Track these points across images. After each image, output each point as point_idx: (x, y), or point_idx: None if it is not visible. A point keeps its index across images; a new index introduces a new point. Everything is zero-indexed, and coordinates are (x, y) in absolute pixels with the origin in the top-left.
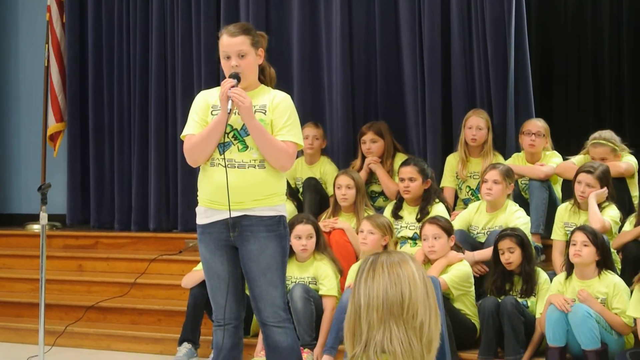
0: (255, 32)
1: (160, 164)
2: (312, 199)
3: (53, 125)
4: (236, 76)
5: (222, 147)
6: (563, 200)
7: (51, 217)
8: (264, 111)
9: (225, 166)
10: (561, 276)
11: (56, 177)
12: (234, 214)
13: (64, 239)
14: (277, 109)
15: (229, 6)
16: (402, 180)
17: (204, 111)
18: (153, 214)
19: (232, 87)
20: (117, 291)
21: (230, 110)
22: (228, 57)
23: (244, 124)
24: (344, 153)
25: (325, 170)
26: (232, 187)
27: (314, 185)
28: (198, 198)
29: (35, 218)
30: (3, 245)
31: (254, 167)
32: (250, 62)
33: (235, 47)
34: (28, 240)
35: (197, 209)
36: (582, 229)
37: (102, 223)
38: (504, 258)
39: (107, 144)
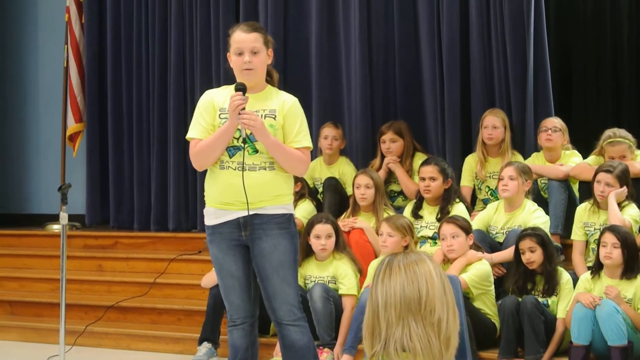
0: (266, 32)
1: (180, 164)
2: (332, 199)
3: (72, 126)
4: (242, 88)
5: (232, 150)
6: (581, 201)
7: (71, 217)
8: (273, 116)
9: (236, 168)
10: (588, 274)
11: (75, 178)
12: (245, 213)
13: (84, 239)
14: (288, 115)
15: (247, 6)
16: (422, 179)
17: (211, 114)
18: (172, 213)
19: (240, 104)
20: (137, 291)
21: (244, 135)
22: (240, 53)
23: None
24: (362, 153)
25: (344, 170)
26: (242, 188)
27: (334, 185)
28: (205, 199)
29: (54, 218)
30: (23, 246)
31: (264, 168)
32: (262, 60)
33: (249, 43)
34: (48, 240)
35: (206, 210)
36: (613, 230)
37: (122, 223)
38: (525, 258)
39: (126, 144)
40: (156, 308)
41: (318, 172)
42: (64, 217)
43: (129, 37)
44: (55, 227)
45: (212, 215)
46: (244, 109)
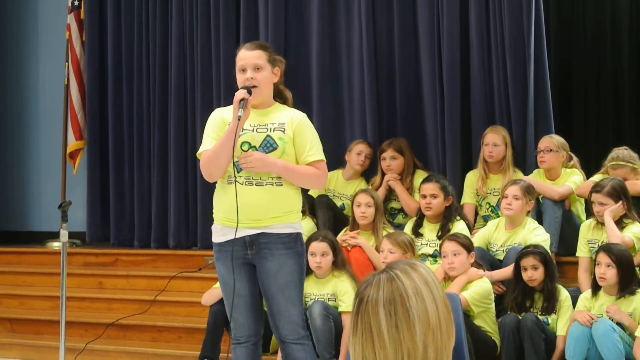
0: (273, 52)
1: (180, 181)
2: (325, 216)
3: (73, 143)
4: (247, 88)
5: (239, 165)
6: (587, 218)
7: (71, 235)
8: (282, 129)
9: (243, 183)
10: (587, 293)
11: (76, 195)
12: (252, 232)
13: (84, 256)
14: (298, 130)
15: (248, 23)
16: (423, 197)
17: (220, 128)
18: (172, 231)
19: (242, 96)
20: (137, 308)
21: (240, 117)
22: (244, 70)
23: (262, 141)
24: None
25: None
26: (249, 205)
27: (325, 202)
28: (214, 216)
29: (55, 235)
30: (23, 263)
31: (272, 184)
32: (266, 76)
33: (251, 59)
34: (48, 258)
35: (213, 227)
36: (606, 250)
37: (122, 240)
38: (526, 275)
39: (127, 162)
40: (156, 326)
41: (333, 183)
42: (64, 235)
43: (129, 54)
44: (56, 245)
45: (219, 232)
46: (245, 100)
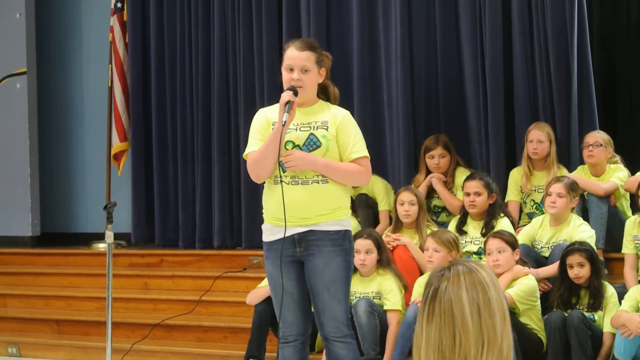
0: (321, 51)
1: (224, 182)
2: (366, 214)
3: (117, 145)
4: (294, 89)
5: (283, 164)
6: (634, 213)
7: (116, 236)
8: (325, 127)
9: (289, 183)
10: (638, 287)
11: (121, 196)
12: (300, 230)
13: (130, 257)
14: (341, 127)
15: (290, 23)
16: (467, 194)
17: (265, 128)
18: (217, 231)
19: (288, 99)
20: (183, 309)
21: (285, 122)
22: (291, 70)
23: (306, 140)
24: (405, 168)
25: (373, 186)
26: (296, 203)
27: (364, 200)
28: (263, 216)
29: (100, 237)
30: (70, 264)
31: (317, 182)
32: (312, 78)
33: (300, 61)
34: (94, 259)
35: (263, 227)
36: None
37: (167, 241)
38: (572, 272)
39: (171, 162)
40: (202, 326)
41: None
42: (109, 236)
43: (172, 55)
44: (101, 246)
45: (269, 232)
46: (290, 103)
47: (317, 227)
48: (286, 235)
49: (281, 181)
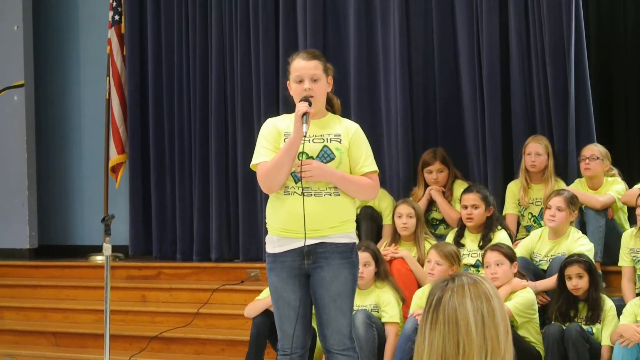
0: (326, 60)
1: (221, 194)
2: (369, 227)
3: (115, 157)
4: (307, 100)
5: (297, 176)
6: (631, 226)
7: (113, 248)
8: (339, 140)
9: (302, 194)
10: (637, 300)
11: (118, 209)
12: (310, 242)
13: (127, 269)
14: (354, 141)
15: (287, 33)
16: (464, 207)
17: (275, 138)
18: (214, 244)
19: (305, 110)
20: (180, 321)
21: (306, 133)
22: (301, 81)
23: (320, 152)
24: (404, 180)
25: (380, 200)
26: (309, 215)
27: (369, 214)
28: (268, 227)
29: (98, 249)
30: (67, 277)
31: (330, 194)
32: (322, 87)
33: (309, 70)
34: (92, 272)
35: (268, 238)
36: None
37: (164, 253)
38: (571, 284)
39: (168, 175)
40: (200, 338)
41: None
42: (107, 248)
43: (170, 68)
44: (99, 258)
45: (276, 243)
46: (307, 114)
47: (328, 239)
48: (296, 247)
49: (295, 192)
